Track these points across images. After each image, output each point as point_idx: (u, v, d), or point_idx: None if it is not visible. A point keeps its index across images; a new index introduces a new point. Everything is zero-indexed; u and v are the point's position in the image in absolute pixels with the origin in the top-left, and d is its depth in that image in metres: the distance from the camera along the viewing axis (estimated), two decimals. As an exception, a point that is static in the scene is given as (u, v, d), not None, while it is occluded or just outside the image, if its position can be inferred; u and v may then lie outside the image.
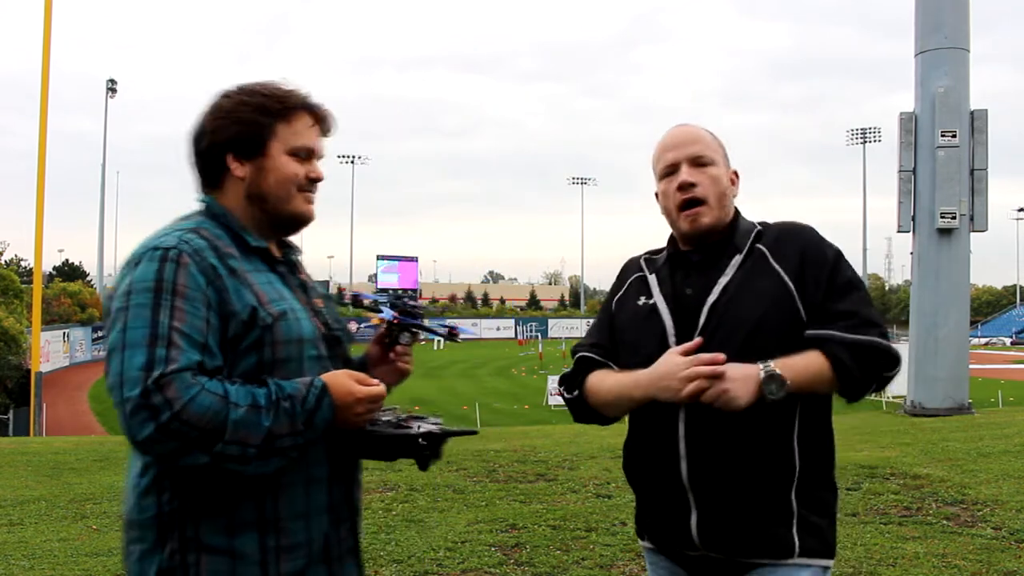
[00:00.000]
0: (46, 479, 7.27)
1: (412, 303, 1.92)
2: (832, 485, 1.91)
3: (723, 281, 1.88)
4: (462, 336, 2.03)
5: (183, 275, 1.55)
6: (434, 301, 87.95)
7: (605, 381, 1.95)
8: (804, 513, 1.81)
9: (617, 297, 2.06)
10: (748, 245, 1.91)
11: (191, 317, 1.53)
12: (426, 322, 1.96)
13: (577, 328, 71.00)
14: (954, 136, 12.70)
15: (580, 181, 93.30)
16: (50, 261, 69.19)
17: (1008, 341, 71.42)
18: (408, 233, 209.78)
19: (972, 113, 12.94)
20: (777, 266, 1.86)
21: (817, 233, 1.95)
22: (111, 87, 56.66)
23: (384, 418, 1.70)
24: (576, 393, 2.01)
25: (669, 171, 1.95)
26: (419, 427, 1.69)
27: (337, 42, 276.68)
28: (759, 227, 1.96)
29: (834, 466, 1.92)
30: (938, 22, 12.92)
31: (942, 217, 12.74)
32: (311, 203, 1.79)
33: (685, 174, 1.92)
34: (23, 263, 52.40)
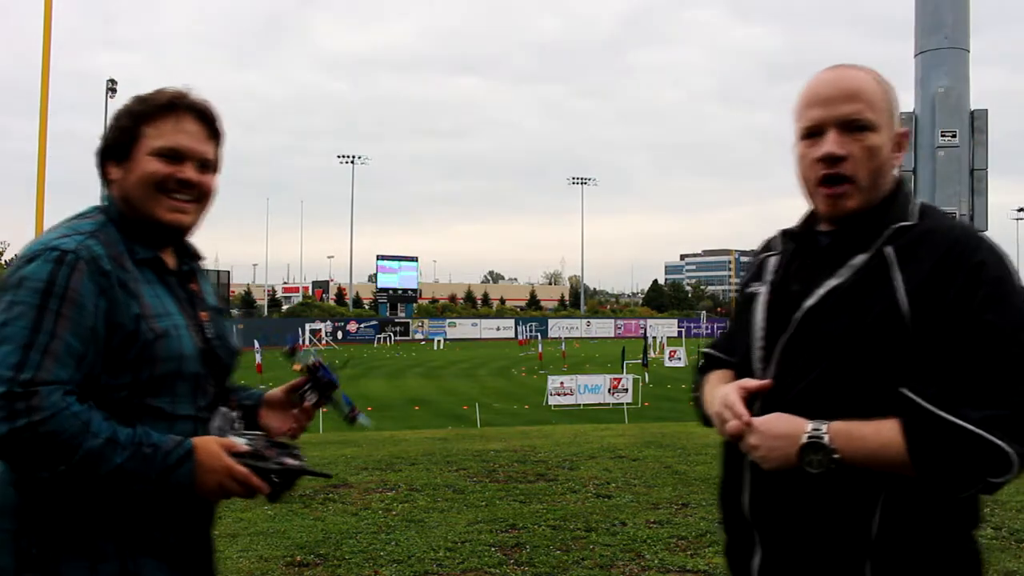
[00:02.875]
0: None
1: (334, 382, 1.90)
2: (959, 556, 1.44)
3: (831, 284, 1.47)
4: (359, 422, 2.00)
5: (76, 281, 1.52)
6: (434, 301, 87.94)
7: (707, 387, 1.70)
8: None
9: (741, 281, 1.73)
10: (878, 244, 1.46)
11: (75, 326, 1.50)
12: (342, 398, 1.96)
13: (577, 328, 70.95)
14: (954, 136, 12.69)
15: (580, 181, 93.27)
16: (50, 261, 68.81)
17: (1008, 341, 71.14)
18: (408, 233, 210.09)
19: (972, 113, 12.93)
20: (898, 279, 1.40)
21: (979, 242, 1.41)
22: (111, 87, 56.63)
23: (244, 447, 1.65)
24: (696, 396, 1.75)
25: (811, 132, 1.53)
26: (278, 461, 1.66)
27: (337, 42, 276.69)
28: (908, 221, 1.48)
29: (972, 529, 1.48)
30: (938, 22, 12.90)
31: (942, 217, 12.74)
32: (180, 211, 1.70)
33: (832, 143, 1.48)
34: (23, 263, 52.25)
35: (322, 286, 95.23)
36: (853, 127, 1.49)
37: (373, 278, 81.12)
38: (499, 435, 10.19)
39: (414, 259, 75.95)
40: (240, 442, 1.64)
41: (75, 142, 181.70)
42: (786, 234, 1.65)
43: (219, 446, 1.61)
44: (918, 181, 14.41)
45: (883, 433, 1.36)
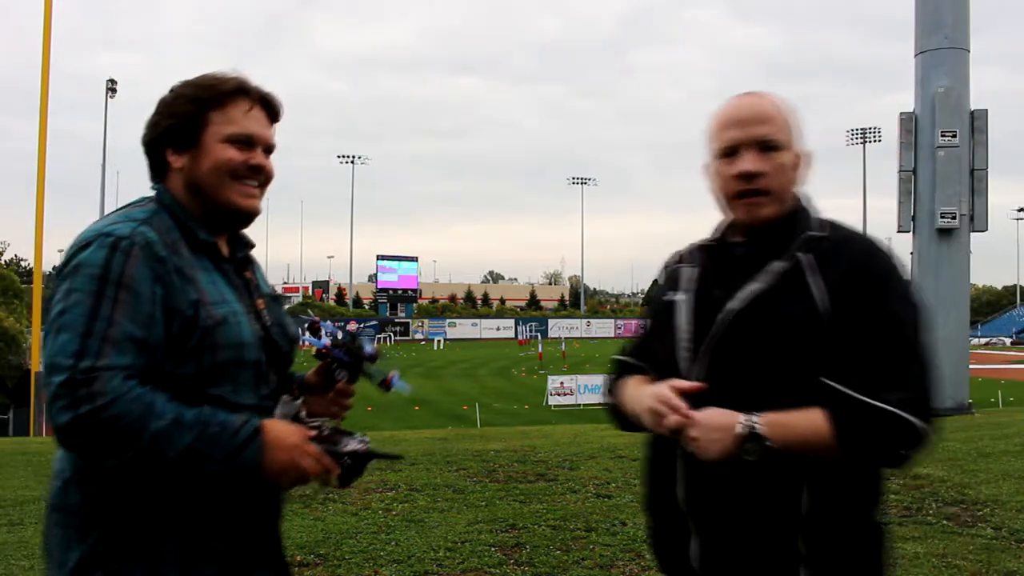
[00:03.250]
0: (46, 479, 7.23)
1: (365, 348, 1.79)
2: (871, 527, 1.63)
3: (753, 288, 1.60)
4: (395, 388, 1.84)
5: (131, 267, 1.51)
6: (434, 301, 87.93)
7: (627, 390, 1.79)
8: (819, 558, 1.56)
9: (655, 291, 1.84)
10: (793, 251, 1.62)
11: (132, 312, 1.49)
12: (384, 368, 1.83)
13: (577, 328, 71.04)
14: (954, 136, 12.71)
15: (580, 181, 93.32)
16: (50, 261, 69.07)
17: (1008, 341, 71.42)
18: (408, 233, 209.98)
19: (972, 113, 12.94)
20: (814, 283, 1.57)
21: (883, 250, 1.61)
22: (111, 87, 56.66)
23: (311, 433, 1.62)
24: (611, 402, 1.87)
25: (729, 151, 1.66)
26: (346, 445, 1.62)
27: (337, 42, 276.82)
28: (820, 231, 1.64)
29: (876, 506, 1.66)
30: (938, 22, 12.92)
31: (942, 217, 12.75)
32: (251, 197, 1.71)
33: (749, 162, 1.63)
34: (23, 263, 52.37)
35: (322, 286, 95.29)
36: (766, 147, 1.64)
37: (373, 278, 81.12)
38: (499, 435, 10.19)
39: (414, 259, 76.01)
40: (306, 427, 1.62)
41: (75, 142, 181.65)
42: (700, 247, 1.78)
43: (289, 425, 1.59)
44: (918, 181, 14.43)
45: (811, 421, 1.51)
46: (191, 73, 1.75)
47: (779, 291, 1.58)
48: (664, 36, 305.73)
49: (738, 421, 1.52)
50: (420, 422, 16.77)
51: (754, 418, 1.51)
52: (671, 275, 1.80)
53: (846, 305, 1.54)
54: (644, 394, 1.67)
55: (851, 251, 1.60)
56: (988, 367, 37.70)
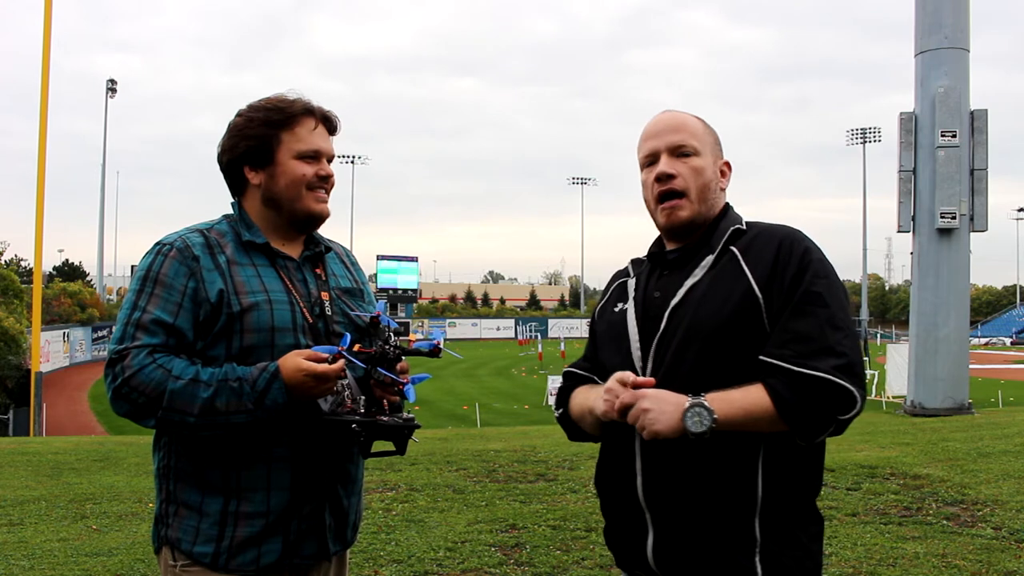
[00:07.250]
0: (46, 479, 7.27)
1: (397, 348, 1.88)
2: (814, 516, 1.75)
3: (689, 283, 1.74)
4: (447, 354, 1.95)
5: (167, 266, 1.81)
6: (434, 301, 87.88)
7: (578, 396, 1.89)
8: (771, 545, 1.65)
9: (600, 305, 1.97)
10: (721, 245, 1.76)
11: (163, 303, 1.78)
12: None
13: (577, 328, 71.01)
14: (954, 136, 12.69)
15: (579, 181, 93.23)
16: (50, 261, 69.27)
17: (1008, 341, 71.43)
18: (408, 233, 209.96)
19: (972, 113, 12.92)
20: (747, 270, 1.69)
21: (801, 236, 1.74)
22: (111, 87, 56.65)
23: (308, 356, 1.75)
24: (561, 411, 1.96)
25: (649, 160, 1.84)
26: (344, 413, 1.79)
27: (335, 43, 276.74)
28: (741, 226, 1.80)
29: (817, 495, 1.77)
30: (938, 22, 12.90)
31: (942, 217, 12.73)
32: (323, 202, 1.96)
33: (663, 164, 1.80)
34: (23, 263, 52.32)
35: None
36: (680, 152, 1.80)
37: (373, 278, 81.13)
38: (499, 435, 10.19)
39: (414, 259, 75.94)
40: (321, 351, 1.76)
41: (75, 142, 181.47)
42: (636, 261, 1.93)
43: (296, 355, 1.76)
44: (918, 181, 14.40)
45: (751, 393, 1.61)
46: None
47: (716, 280, 1.71)
48: (662, 37, 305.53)
49: (686, 398, 1.61)
50: (420, 422, 16.74)
51: (700, 396, 1.61)
52: (618, 288, 1.93)
53: (775, 287, 1.66)
54: (595, 391, 1.77)
55: (771, 240, 1.72)
56: (988, 367, 37.70)
